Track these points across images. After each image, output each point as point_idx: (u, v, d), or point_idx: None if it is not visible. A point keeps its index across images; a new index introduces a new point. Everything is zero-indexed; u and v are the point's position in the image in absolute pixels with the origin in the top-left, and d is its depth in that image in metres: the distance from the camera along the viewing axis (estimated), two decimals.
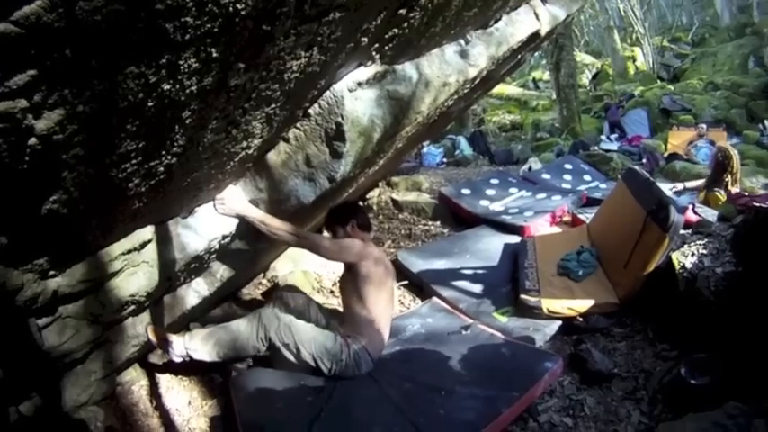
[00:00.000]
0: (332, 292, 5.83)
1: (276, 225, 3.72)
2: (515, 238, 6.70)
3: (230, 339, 3.90)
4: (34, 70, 1.44)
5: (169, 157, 2.39)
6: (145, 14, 1.50)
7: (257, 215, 3.68)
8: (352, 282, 4.22)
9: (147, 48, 1.63)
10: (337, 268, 5.53)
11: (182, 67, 1.80)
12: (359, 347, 4.01)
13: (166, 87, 1.84)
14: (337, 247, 4.14)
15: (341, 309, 4.74)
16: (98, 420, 3.59)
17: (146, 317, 3.70)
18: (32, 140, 1.65)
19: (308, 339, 3.90)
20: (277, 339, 3.86)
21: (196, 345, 3.91)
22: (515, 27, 4.95)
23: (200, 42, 1.75)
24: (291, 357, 3.91)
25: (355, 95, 3.36)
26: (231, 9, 1.72)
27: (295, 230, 3.83)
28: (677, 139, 13.92)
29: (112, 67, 1.60)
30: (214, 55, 1.87)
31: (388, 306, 4.34)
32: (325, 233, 4.77)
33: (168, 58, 1.71)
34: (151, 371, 4.28)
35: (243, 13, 1.77)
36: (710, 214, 6.29)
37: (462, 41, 4.34)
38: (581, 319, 4.65)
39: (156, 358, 4.34)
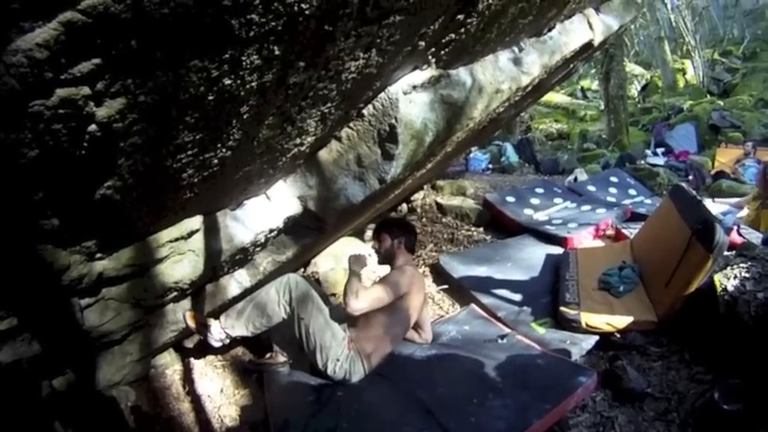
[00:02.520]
0: None
1: (357, 288, 3.87)
2: (558, 249, 6.61)
3: (261, 308, 3.94)
4: (99, 59, 1.46)
5: (224, 150, 2.41)
6: (212, 10, 1.51)
7: (359, 285, 3.91)
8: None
9: (212, 42, 1.64)
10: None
11: (244, 63, 1.81)
12: (359, 356, 3.98)
13: (227, 82, 1.85)
14: (387, 293, 4.05)
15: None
16: (129, 400, 3.64)
17: (186, 304, 3.74)
18: (92, 127, 1.67)
19: (320, 326, 3.89)
20: (296, 307, 3.90)
21: (232, 322, 3.96)
22: (569, 36, 4.91)
23: (263, 39, 1.76)
24: (298, 336, 3.93)
25: (410, 98, 3.35)
26: (296, 8, 1.73)
27: (359, 292, 3.89)
28: (725, 157, 13.58)
29: (176, 59, 1.62)
30: (276, 53, 1.88)
31: (408, 326, 4.32)
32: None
33: (231, 53, 1.72)
34: (186, 357, 4.32)
35: (307, 12, 1.78)
36: (755, 237, 6.17)
37: (516, 48, 4.31)
38: (618, 336, 4.57)
39: (191, 344, 4.38)
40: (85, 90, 1.53)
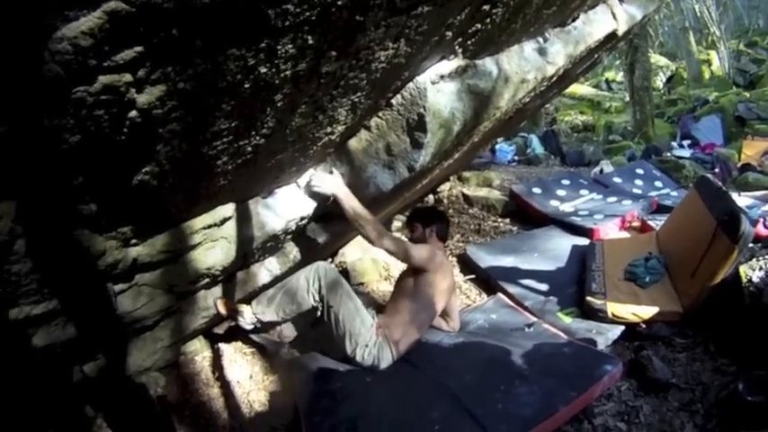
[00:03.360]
0: None
1: (364, 215, 3.73)
2: (584, 240, 6.61)
3: (292, 294, 3.93)
4: (141, 47, 1.51)
5: (258, 138, 2.45)
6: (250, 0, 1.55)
7: (351, 200, 3.70)
8: (413, 279, 4.22)
9: (249, 32, 1.67)
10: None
11: (279, 52, 1.84)
12: (387, 342, 4.00)
13: (263, 70, 1.89)
14: (414, 252, 4.10)
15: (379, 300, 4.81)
16: (158, 386, 3.69)
17: (218, 291, 3.78)
18: (133, 113, 1.71)
19: (350, 313, 3.90)
20: (326, 294, 3.89)
21: (263, 308, 3.98)
22: (593, 26, 4.90)
23: (297, 29, 1.79)
24: (327, 322, 3.94)
25: (437, 88, 3.37)
26: None
27: (379, 225, 3.84)
28: (751, 150, 13.36)
29: (215, 48, 1.66)
30: (309, 42, 1.91)
31: (435, 313, 4.32)
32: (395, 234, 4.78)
33: (267, 42, 1.75)
34: (215, 343, 4.37)
35: (339, 3, 1.81)
36: None
37: (541, 39, 4.32)
38: (644, 326, 4.59)
39: (220, 331, 4.43)
40: (127, 77, 1.58)
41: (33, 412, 2.90)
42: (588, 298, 4.80)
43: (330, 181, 3.65)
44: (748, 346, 4.05)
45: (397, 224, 7.01)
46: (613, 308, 4.59)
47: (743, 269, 4.34)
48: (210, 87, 1.81)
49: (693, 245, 4.82)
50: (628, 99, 21.20)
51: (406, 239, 4.31)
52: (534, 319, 4.70)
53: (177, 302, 3.42)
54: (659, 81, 27.70)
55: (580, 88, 26.85)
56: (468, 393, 3.60)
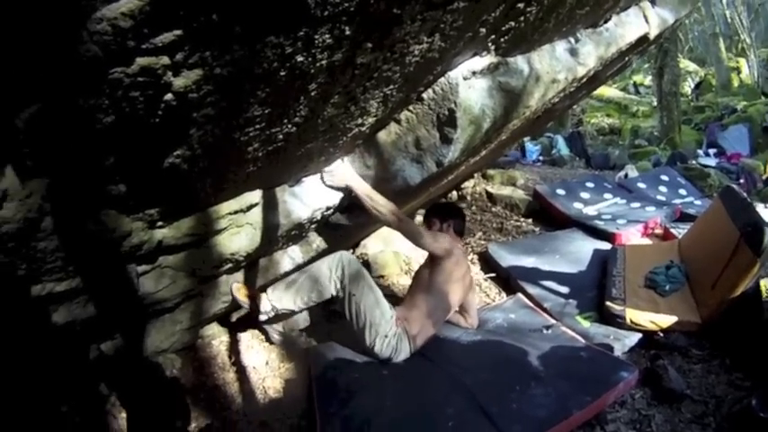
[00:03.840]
0: None
1: (381, 202, 3.72)
2: (606, 245, 6.63)
3: (312, 282, 3.93)
4: (180, 30, 1.50)
5: (290, 126, 2.45)
6: None
7: (365, 188, 3.69)
8: (430, 272, 4.23)
9: (289, 19, 1.67)
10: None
11: (316, 41, 1.84)
12: (406, 334, 4.01)
13: (300, 59, 1.88)
14: (432, 239, 4.11)
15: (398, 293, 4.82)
16: (174, 368, 3.72)
17: (239, 276, 3.81)
18: (168, 96, 1.72)
19: (371, 303, 3.90)
20: (348, 284, 3.89)
21: (279, 294, 3.98)
22: (625, 28, 4.87)
23: (336, 19, 1.79)
24: (347, 313, 3.94)
25: (469, 84, 3.36)
26: None
27: (397, 211, 3.81)
28: None
29: (254, 34, 1.65)
30: (347, 33, 1.91)
31: (450, 307, 4.33)
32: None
33: (306, 31, 1.75)
34: (233, 328, 4.38)
35: None
36: None
37: (572, 39, 4.30)
38: (661, 335, 4.59)
39: (239, 316, 4.44)
40: (165, 60, 1.58)
41: (48, 388, 2.92)
42: (608, 303, 4.81)
43: (339, 174, 3.66)
44: (764, 362, 4.03)
45: (419, 218, 7.00)
46: (632, 314, 4.59)
47: (764, 282, 4.33)
48: (247, 74, 1.81)
49: (715, 255, 4.81)
50: (655, 104, 21.16)
51: (423, 228, 4.33)
52: (553, 321, 4.70)
53: (198, 286, 3.44)
54: (687, 87, 27.61)
55: (608, 90, 26.81)
56: (483, 391, 3.60)
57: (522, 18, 3.08)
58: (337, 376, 3.74)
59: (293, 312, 4.14)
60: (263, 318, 4.02)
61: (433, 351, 4.13)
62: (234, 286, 3.74)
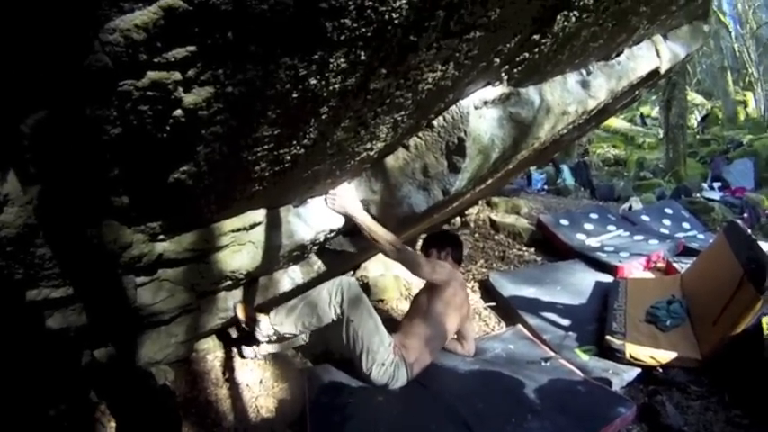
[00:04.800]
0: None
1: (380, 232, 3.72)
2: (608, 277, 6.59)
3: (312, 307, 3.89)
4: (194, 47, 1.50)
5: (298, 148, 2.45)
6: (309, 10, 1.53)
7: (364, 218, 3.70)
8: (428, 300, 4.21)
9: (304, 42, 1.66)
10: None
11: (331, 65, 1.83)
12: (404, 362, 3.96)
13: (313, 82, 1.87)
14: (430, 268, 4.08)
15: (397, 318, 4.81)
16: (167, 379, 3.71)
17: (238, 293, 3.79)
18: (178, 112, 1.71)
19: (369, 330, 3.86)
20: (347, 309, 3.85)
21: (281, 318, 3.95)
22: (636, 62, 4.87)
23: (352, 44, 1.78)
24: (345, 338, 3.90)
25: (480, 113, 3.36)
26: (386, 17, 1.75)
27: (396, 241, 3.80)
28: None
29: (268, 55, 1.64)
30: (362, 58, 1.90)
31: (447, 335, 4.31)
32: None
33: (321, 54, 1.74)
34: (228, 345, 4.35)
35: (396, 21, 1.80)
36: None
37: (584, 71, 4.30)
38: (660, 370, 4.56)
39: (235, 333, 4.41)
40: (176, 75, 1.57)
41: (38, 391, 2.90)
42: (608, 337, 4.78)
43: (340, 200, 3.67)
44: (764, 400, 4.00)
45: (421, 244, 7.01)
46: (632, 349, 4.57)
47: (765, 320, 4.31)
48: (259, 94, 1.80)
49: (718, 291, 4.80)
50: (661, 136, 21.20)
51: (423, 256, 4.30)
52: (551, 353, 4.66)
53: (197, 301, 3.43)
54: (694, 119, 27.74)
55: (614, 121, 26.93)
56: (478, 422, 3.56)
57: (536, 49, 3.08)
58: (332, 400, 3.71)
59: (294, 336, 4.11)
60: (263, 339, 3.99)
61: (430, 379, 4.09)
62: (238, 305, 3.74)
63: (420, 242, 6.31)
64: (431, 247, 4.59)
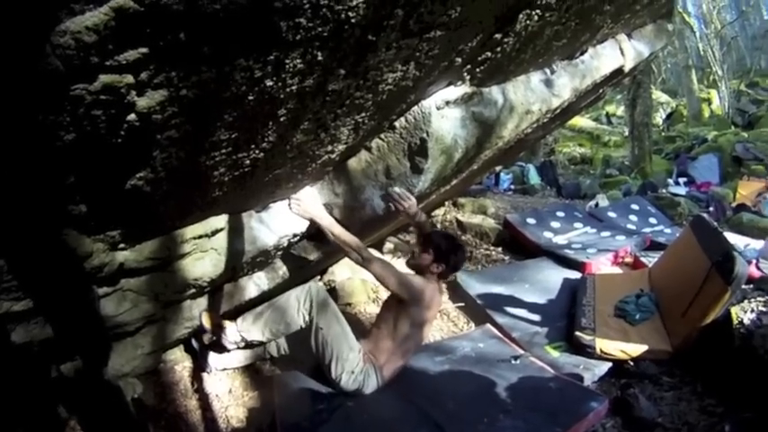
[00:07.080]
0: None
1: (345, 237, 3.68)
2: (575, 274, 6.63)
3: (280, 314, 3.85)
4: (146, 48, 1.47)
5: (257, 152, 2.43)
6: (262, 9, 1.52)
7: (329, 222, 3.67)
8: (395, 309, 4.09)
9: (259, 42, 1.64)
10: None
11: (287, 66, 1.82)
12: (374, 368, 3.94)
13: (269, 83, 1.86)
14: (396, 281, 3.92)
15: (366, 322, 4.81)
16: (135, 392, 3.66)
17: (203, 302, 3.75)
18: (131, 116, 1.68)
19: (338, 337, 3.83)
20: (315, 316, 3.80)
21: (248, 326, 3.91)
22: (600, 61, 4.91)
23: (308, 44, 1.77)
24: (314, 346, 3.85)
25: (442, 113, 3.35)
26: (343, 16, 1.74)
27: (362, 247, 3.76)
28: (746, 190, 13.38)
29: (222, 56, 1.62)
30: (319, 58, 1.89)
31: (418, 345, 4.26)
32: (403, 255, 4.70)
33: (276, 55, 1.73)
34: (196, 354, 4.31)
35: (353, 21, 1.79)
36: None
37: (548, 70, 4.31)
38: (632, 364, 4.59)
39: (196, 344, 4.37)
40: (129, 78, 1.54)
41: (6, 410, 2.85)
42: (577, 333, 4.80)
43: (304, 204, 3.64)
44: (736, 388, 4.04)
45: (389, 245, 6.97)
46: (602, 344, 4.59)
47: (734, 310, 4.35)
48: (214, 97, 1.78)
49: (686, 284, 4.85)
50: (627, 134, 21.33)
51: (395, 266, 4.16)
52: (521, 351, 4.66)
53: (161, 310, 3.39)
54: (659, 117, 28.01)
55: (580, 120, 27.03)
56: (451, 423, 3.55)
57: (498, 48, 3.08)
58: (302, 407, 3.67)
59: (262, 343, 4.06)
60: (231, 347, 3.94)
61: (400, 382, 4.07)
62: (203, 314, 3.69)
63: (388, 243, 6.32)
64: (432, 248, 4.23)
